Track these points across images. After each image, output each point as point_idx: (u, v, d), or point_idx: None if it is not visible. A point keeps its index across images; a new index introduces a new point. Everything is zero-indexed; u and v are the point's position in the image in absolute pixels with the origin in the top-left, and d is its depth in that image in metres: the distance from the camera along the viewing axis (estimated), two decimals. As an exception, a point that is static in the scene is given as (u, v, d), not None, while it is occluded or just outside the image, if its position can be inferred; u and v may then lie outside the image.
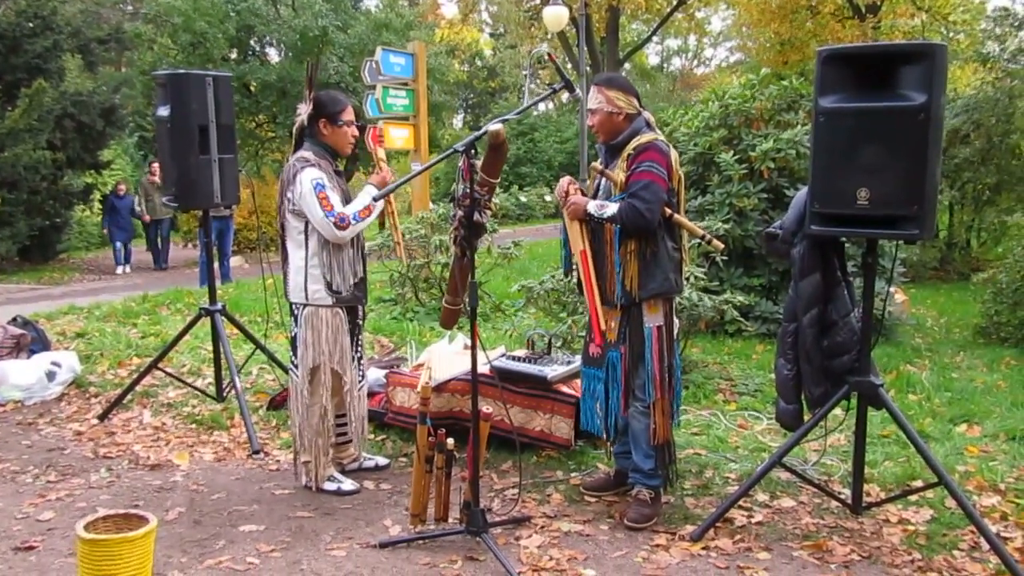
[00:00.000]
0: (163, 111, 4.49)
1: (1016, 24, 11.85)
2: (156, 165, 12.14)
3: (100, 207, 15.07)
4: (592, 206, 3.30)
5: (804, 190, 3.25)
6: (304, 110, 3.67)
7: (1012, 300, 7.65)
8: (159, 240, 13.98)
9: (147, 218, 13.52)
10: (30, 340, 5.66)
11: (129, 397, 4.98)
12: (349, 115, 3.69)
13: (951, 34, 19.04)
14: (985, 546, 3.06)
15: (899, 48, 3.08)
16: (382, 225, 3.87)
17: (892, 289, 7.29)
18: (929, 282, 11.76)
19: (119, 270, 13.41)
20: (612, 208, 3.24)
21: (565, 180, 3.45)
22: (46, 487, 3.87)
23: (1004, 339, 7.55)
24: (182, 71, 4.68)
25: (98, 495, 3.77)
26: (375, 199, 3.50)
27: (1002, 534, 3.22)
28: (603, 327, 3.35)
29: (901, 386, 5.54)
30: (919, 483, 3.62)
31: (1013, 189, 12.16)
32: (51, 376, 5.27)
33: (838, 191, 2.99)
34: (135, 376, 5.09)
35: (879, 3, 18.87)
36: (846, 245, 3.63)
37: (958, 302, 9.99)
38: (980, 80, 13.12)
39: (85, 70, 15.17)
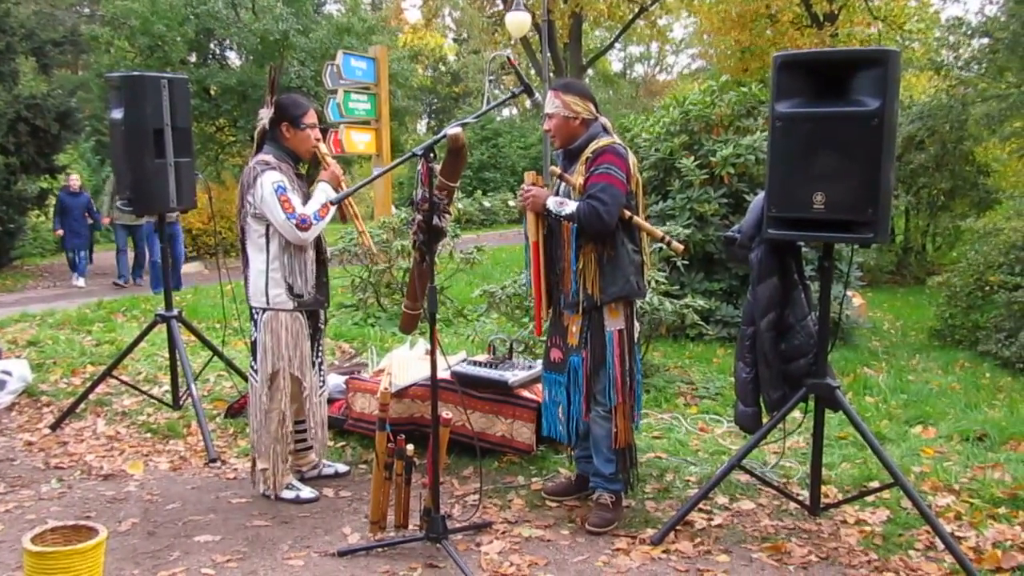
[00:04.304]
0: (117, 114, 4.41)
1: (969, 33, 12.11)
2: None
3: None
4: (552, 201, 3.30)
5: (762, 195, 3.28)
6: (266, 114, 3.63)
7: (965, 304, 7.83)
8: (134, 247, 12.06)
9: (106, 220, 12.60)
10: (-21, 348, 5.50)
11: (82, 406, 4.87)
12: (311, 119, 3.66)
13: (906, 43, 19.39)
14: (940, 546, 3.10)
15: (853, 54, 3.12)
16: (344, 219, 3.84)
17: (849, 293, 7.39)
18: (886, 286, 11.97)
19: (74, 280, 12.14)
20: (571, 206, 3.25)
21: (531, 174, 3.45)
22: (-6, 499, 3.77)
23: (958, 342, 7.70)
24: (136, 73, 4.60)
25: (48, 506, 3.67)
26: (332, 202, 3.46)
27: (956, 534, 3.26)
28: (545, 318, 3.47)
29: (858, 389, 5.63)
30: (875, 484, 3.66)
31: (967, 194, 12.45)
32: (1, 385, 5.14)
33: (794, 195, 3.02)
34: (88, 384, 4.98)
35: (837, 12, 19.19)
36: (803, 249, 3.66)
37: (914, 306, 10.17)
38: (935, 88, 13.39)
39: (40, 73, 14.88)
